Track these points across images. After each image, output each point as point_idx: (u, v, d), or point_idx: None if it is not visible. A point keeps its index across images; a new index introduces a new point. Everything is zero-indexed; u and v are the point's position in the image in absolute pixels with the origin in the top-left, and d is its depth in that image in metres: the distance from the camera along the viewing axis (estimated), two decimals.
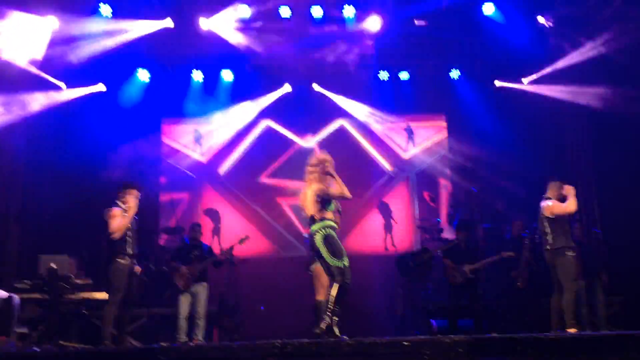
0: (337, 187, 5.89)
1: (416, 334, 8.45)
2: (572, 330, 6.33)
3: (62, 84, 10.08)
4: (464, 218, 10.06)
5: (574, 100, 10.15)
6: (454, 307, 8.32)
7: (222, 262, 8.51)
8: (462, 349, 4.63)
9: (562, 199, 6.89)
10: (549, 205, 6.78)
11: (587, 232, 9.36)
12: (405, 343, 4.79)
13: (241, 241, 8.41)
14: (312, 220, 5.85)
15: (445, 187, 11.77)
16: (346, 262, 5.74)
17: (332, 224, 5.86)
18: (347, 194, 5.88)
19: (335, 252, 5.72)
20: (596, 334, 6.33)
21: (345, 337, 5.48)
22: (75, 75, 10.16)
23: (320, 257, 5.79)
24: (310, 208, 5.86)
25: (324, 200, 5.84)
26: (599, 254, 8.74)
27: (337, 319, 5.66)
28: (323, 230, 5.77)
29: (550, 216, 6.78)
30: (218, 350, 4.87)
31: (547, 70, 10.25)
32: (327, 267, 5.76)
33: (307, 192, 5.92)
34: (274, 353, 4.69)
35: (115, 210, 6.71)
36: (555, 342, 4.91)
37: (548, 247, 6.78)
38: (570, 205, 6.64)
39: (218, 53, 10.85)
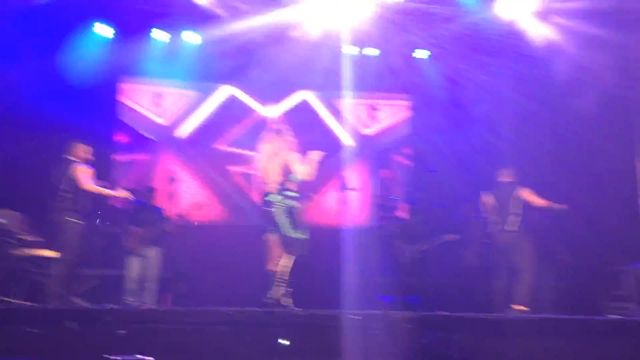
0: (306, 167, 5.85)
1: (367, 309, 8.55)
2: (519, 308, 6.50)
3: None
4: (419, 198, 10.16)
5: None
6: (402, 285, 8.48)
7: (177, 227, 8.41)
8: (410, 325, 4.72)
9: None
10: (522, 191, 6.96)
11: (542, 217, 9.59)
12: (355, 317, 4.85)
13: (196, 207, 8.32)
14: (274, 189, 5.79)
15: (403, 166, 11.87)
16: (306, 234, 5.74)
17: (295, 194, 5.83)
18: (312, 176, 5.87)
19: (297, 224, 5.70)
20: (541, 316, 6.51)
21: (296, 307, 5.51)
22: (28, 23, 9.75)
23: (279, 228, 5.75)
24: (274, 176, 5.78)
25: (288, 171, 5.80)
26: (552, 238, 8.96)
27: (290, 290, 5.68)
28: (286, 202, 5.73)
29: (524, 199, 6.95)
30: (165, 314, 4.83)
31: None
32: (286, 239, 5.73)
33: (273, 159, 5.82)
34: (223, 321, 4.68)
35: (83, 167, 6.67)
36: (499, 323, 5.05)
37: (506, 228, 6.92)
38: (541, 201, 6.89)
39: (182, 13, 10.57)
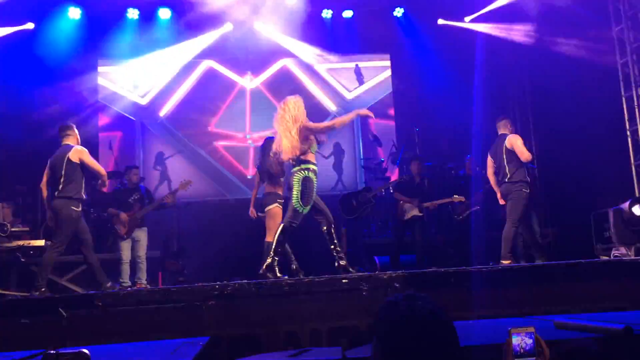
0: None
1: (360, 270, 8.60)
2: (506, 262, 6.53)
3: None
4: (406, 157, 10.14)
5: (508, 37, 10.30)
6: (397, 243, 8.45)
7: (166, 206, 8.39)
8: (399, 284, 4.75)
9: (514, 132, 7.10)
10: (509, 140, 6.88)
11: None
12: (344, 281, 4.88)
13: (183, 185, 8.29)
14: (295, 161, 5.79)
15: (388, 126, 11.83)
16: (306, 210, 5.74)
17: (314, 167, 5.80)
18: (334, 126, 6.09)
19: (304, 197, 5.68)
20: (526, 265, 6.55)
21: (285, 276, 5.54)
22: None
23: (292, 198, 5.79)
24: (292, 151, 5.74)
25: (307, 141, 5.78)
26: (535, 189, 9.01)
27: (277, 258, 5.71)
28: (304, 172, 5.72)
29: (510, 148, 6.89)
30: (156, 293, 4.84)
31: (489, 8, 10.27)
32: (293, 210, 5.75)
33: (286, 135, 5.77)
34: (214, 295, 4.70)
35: (84, 149, 6.58)
36: (488, 274, 5.09)
37: (506, 179, 6.86)
38: (522, 150, 6.80)
39: None
